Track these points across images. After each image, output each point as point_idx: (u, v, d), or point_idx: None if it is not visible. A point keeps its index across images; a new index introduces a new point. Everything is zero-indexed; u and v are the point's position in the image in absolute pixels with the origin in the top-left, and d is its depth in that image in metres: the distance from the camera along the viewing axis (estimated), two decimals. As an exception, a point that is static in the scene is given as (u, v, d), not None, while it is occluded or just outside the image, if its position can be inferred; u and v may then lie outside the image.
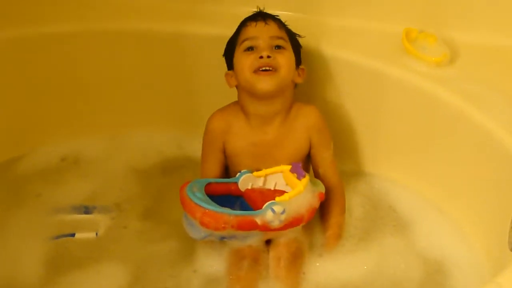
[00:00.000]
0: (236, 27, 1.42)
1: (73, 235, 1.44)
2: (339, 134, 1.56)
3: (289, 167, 1.34)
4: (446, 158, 1.45)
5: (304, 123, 1.40)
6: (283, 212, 1.26)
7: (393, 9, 1.54)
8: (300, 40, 1.44)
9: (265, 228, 1.27)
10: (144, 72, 1.63)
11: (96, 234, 1.44)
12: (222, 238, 1.30)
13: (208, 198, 1.27)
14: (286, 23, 1.43)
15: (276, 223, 1.27)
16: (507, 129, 1.31)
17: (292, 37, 1.42)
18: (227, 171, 1.46)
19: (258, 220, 1.26)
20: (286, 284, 1.31)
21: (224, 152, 1.42)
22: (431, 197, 1.50)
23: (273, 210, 1.26)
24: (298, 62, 1.41)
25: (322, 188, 1.37)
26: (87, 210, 1.50)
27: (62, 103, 1.63)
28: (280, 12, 1.53)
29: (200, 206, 1.24)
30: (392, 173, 1.57)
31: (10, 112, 1.59)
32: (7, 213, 1.47)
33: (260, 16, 1.39)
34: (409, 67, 1.46)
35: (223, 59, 1.45)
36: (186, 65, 1.60)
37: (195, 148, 1.47)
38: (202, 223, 1.23)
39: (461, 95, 1.39)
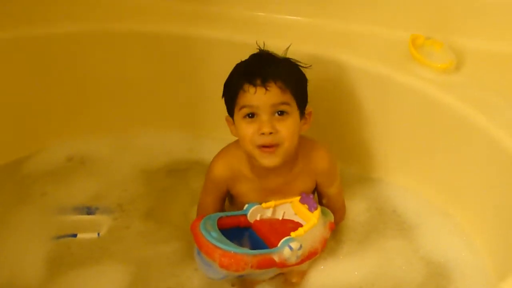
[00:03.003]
0: (242, 30, 1.40)
1: (75, 235, 1.45)
2: (345, 139, 1.57)
3: (298, 197, 1.33)
4: (452, 163, 1.45)
5: (312, 169, 1.36)
6: (300, 247, 1.25)
7: (400, 15, 1.54)
8: (307, 44, 1.44)
9: (283, 265, 1.25)
10: (151, 73, 1.64)
11: (98, 234, 1.45)
12: (239, 276, 1.28)
13: (223, 237, 1.23)
14: (291, 30, 1.38)
15: (293, 260, 1.25)
16: (512, 135, 1.31)
17: (297, 86, 1.30)
18: (233, 203, 1.44)
19: (276, 258, 1.24)
20: None
21: (228, 191, 1.40)
22: (436, 201, 1.50)
23: (290, 247, 1.24)
24: (305, 105, 1.32)
25: (331, 218, 1.37)
26: (89, 211, 1.51)
27: (70, 103, 1.64)
28: (287, 17, 1.55)
29: (218, 247, 1.20)
30: (398, 177, 1.57)
31: (18, 113, 1.61)
32: (12, 211, 1.49)
33: (260, 78, 1.25)
34: (415, 73, 1.46)
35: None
36: (194, 67, 1.62)
37: (204, 151, 1.48)
38: (222, 266, 1.19)
39: (467, 101, 1.39)
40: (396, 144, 1.54)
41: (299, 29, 1.44)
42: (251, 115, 1.27)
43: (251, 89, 1.25)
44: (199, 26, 1.59)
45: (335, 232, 1.43)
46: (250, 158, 1.33)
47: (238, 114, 1.28)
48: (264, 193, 1.36)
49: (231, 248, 1.20)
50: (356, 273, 1.36)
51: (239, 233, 1.32)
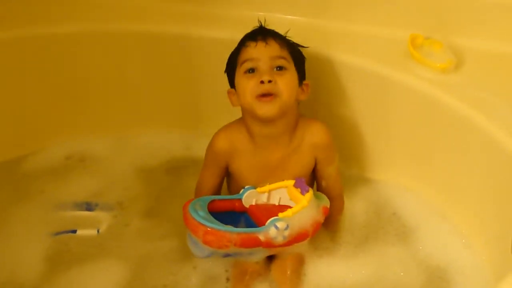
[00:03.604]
0: (242, 30, 1.41)
1: (74, 231, 1.45)
2: (345, 139, 1.57)
3: (293, 182, 1.33)
4: (451, 165, 1.45)
5: (310, 142, 1.39)
6: (287, 228, 1.26)
7: (400, 15, 1.54)
8: (306, 44, 1.43)
9: (269, 244, 1.27)
10: (151, 73, 1.64)
11: (98, 231, 1.45)
12: (226, 256, 1.29)
13: (211, 216, 1.26)
14: (291, 30, 1.40)
15: (279, 239, 1.26)
16: (512, 136, 1.31)
17: (295, 53, 1.39)
18: (231, 186, 1.46)
19: (262, 237, 1.26)
20: None
21: (227, 169, 1.42)
22: (436, 203, 1.50)
23: (276, 227, 1.25)
24: (302, 77, 1.39)
25: (326, 202, 1.37)
26: (88, 207, 1.51)
27: (69, 103, 1.65)
28: (287, 17, 1.55)
29: (202, 224, 1.23)
30: (397, 179, 1.56)
31: (18, 111, 1.61)
32: (11, 209, 1.49)
33: (260, 35, 1.35)
34: (414, 73, 1.46)
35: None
36: (194, 67, 1.62)
37: (202, 149, 1.46)
38: (205, 242, 1.23)
39: (467, 101, 1.39)
40: (395, 144, 1.54)
41: (298, 29, 1.44)
42: (252, 71, 1.33)
43: (252, 43, 1.34)
44: (199, 26, 1.59)
45: (333, 232, 1.43)
46: (251, 127, 1.36)
47: (240, 72, 1.35)
48: (263, 170, 1.38)
49: (215, 225, 1.23)
50: (354, 275, 1.35)
51: (236, 217, 1.34)
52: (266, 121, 1.34)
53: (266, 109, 1.31)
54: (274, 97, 1.31)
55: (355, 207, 1.51)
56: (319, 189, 1.45)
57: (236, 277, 1.33)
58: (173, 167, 1.64)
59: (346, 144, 1.58)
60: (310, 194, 1.31)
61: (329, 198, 1.43)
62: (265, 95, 1.31)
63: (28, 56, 1.57)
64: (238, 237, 1.24)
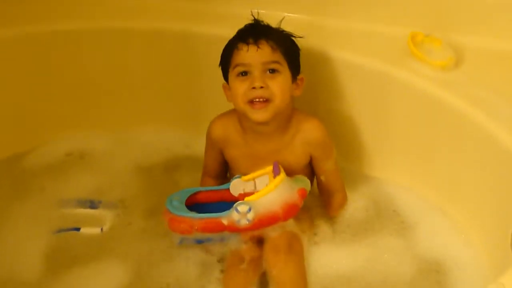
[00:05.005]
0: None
1: (78, 229, 1.45)
2: (344, 136, 1.58)
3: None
4: (451, 161, 1.46)
5: (304, 139, 1.39)
6: (249, 210, 1.27)
7: (400, 12, 1.54)
8: (306, 43, 1.43)
9: (233, 228, 1.29)
10: (152, 71, 1.65)
11: (101, 229, 1.45)
12: (199, 242, 1.33)
13: (183, 205, 1.32)
14: (291, 27, 1.39)
15: (243, 223, 1.28)
16: (511, 133, 1.31)
17: (288, 51, 1.36)
18: (229, 173, 1.47)
19: (225, 221, 1.28)
20: (288, 274, 1.28)
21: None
22: (435, 199, 1.50)
23: (237, 210, 1.27)
24: (296, 72, 1.38)
25: (305, 185, 1.36)
26: (92, 205, 1.51)
27: (69, 99, 1.65)
28: (286, 14, 1.54)
29: (169, 212, 1.31)
30: (396, 176, 1.57)
31: (18, 108, 1.61)
32: (11, 205, 1.49)
33: (252, 37, 1.33)
34: (414, 70, 1.46)
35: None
36: (194, 65, 1.62)
37: (201, 148, 1.49)
38: (170, 227, 1.31)
39: (466, 99, 1.39)
40: (395, 141, 1.55)
41: (298, 27, 1.44)
42: (244, 73, 1.33)
43: (244, 47, 1.33)
44: (200, 23, 1.60)
45: (333, 226, 1.44)
46: (243, 122, 1.38)
47: (232, 74, 1.35)
48: (255, 161, 1.39)
49: (178, 212, 1.30)
50: (351, 270, 1.36)
51: (229, 207, 1.33)
52: (259, 124, 1.35)
53: (258, 115, 1.32)
54: (267, 103, 1.32)
55: (355, 203, 1.50)
56: (319, 184, 1.46)
57: (230, 265, 1.33)
58: (173, 165, 1.64)
59: (346, 141, 1.59)
60: (279, 177, 1.30)
61: (329, 193, 1.44)
62: (258, 102, 1.32)
63: (28, 53, 1.58)
64: (200, 222, 1.28)
